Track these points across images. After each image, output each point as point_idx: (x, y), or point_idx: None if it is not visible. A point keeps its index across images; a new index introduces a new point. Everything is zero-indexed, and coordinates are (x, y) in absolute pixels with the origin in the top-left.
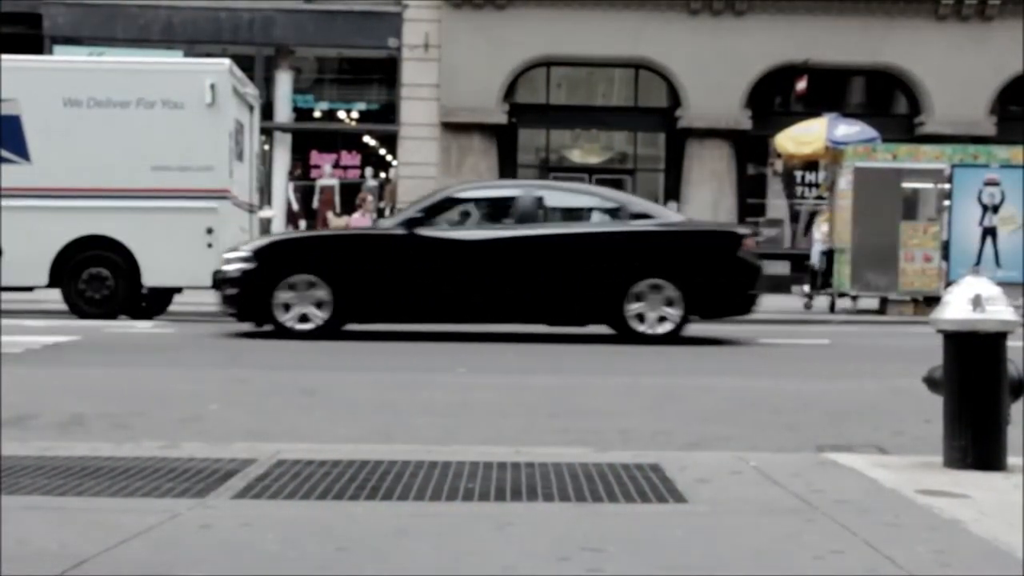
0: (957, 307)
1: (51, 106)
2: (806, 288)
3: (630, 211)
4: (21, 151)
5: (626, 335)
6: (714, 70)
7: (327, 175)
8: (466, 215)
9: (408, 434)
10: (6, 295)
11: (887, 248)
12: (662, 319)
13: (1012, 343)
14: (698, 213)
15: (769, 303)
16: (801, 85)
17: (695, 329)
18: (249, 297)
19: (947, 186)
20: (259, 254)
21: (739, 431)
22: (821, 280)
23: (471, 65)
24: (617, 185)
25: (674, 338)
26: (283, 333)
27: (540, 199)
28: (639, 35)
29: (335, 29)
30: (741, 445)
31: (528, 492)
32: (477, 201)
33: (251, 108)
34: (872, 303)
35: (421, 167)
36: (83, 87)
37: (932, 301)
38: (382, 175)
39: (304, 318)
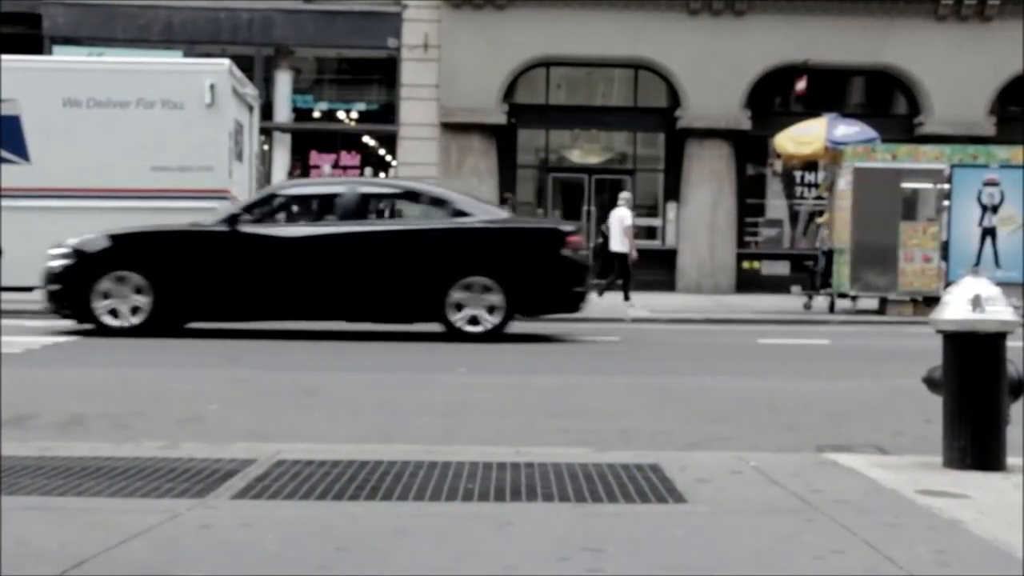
0: (957, 307)
1: (51, 106)
2: (797, 288)
3: (455, 208)
4: (21, 151)
5: (451, 332)
6: (714, 70)
7: (326, 175)
8: (291, 212)
9: (408, 434)
10: (6, 295)
11: (887, 248)
12: (486, 316)
13: (1011, 343)
14: (697, 213)
15: (769, 303)
16: (801, 85)
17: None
18: (69, 293)
19: (946, 186)
20: (79, 250)
21: (739, 431)
22: (820, 280)
23: (471, 65)
24: (617, 185)
25: (497, 335)
26: (102, 330)
27: (363, 196)
28: (639, 35)
29: (334, 29)
30: (741, 445)
31: (528, 492)
32: (302, 198)
33: (250, 108)
34: (872, 303)
35: (420, 167)
36: (83, 87)
37: (932, 301)
38: (381, 175)
39: (124, 314)
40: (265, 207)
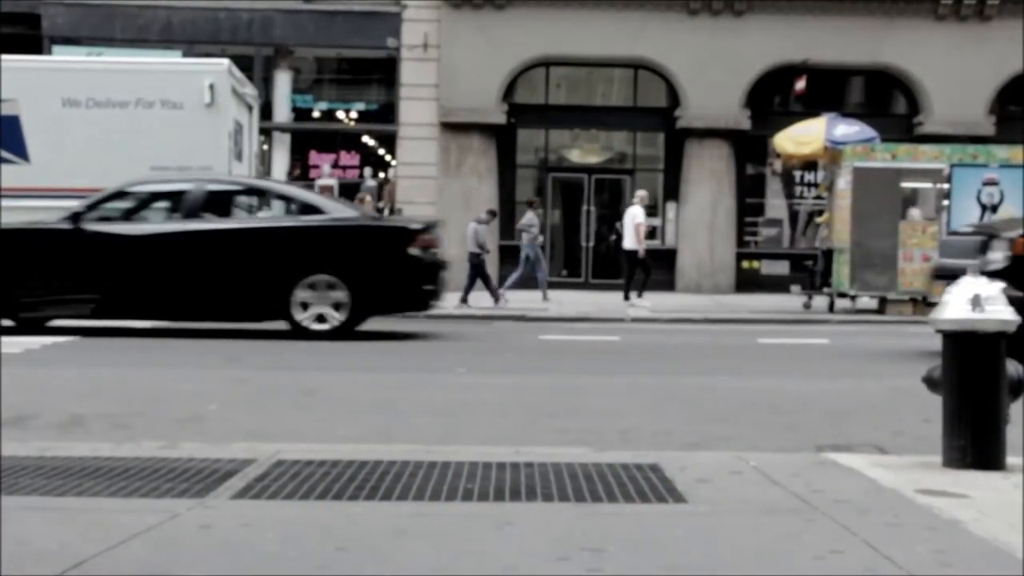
0: (956, 307)
1: (50, 106)
2: (797, 288)
3: (303, 206)
4: (20, 151)
5: (296, 331)
6: (713, 70)
7: (326, 175)
8: (138, 210)
9: (408, 434)
10: None
11: (886, 248)
12: (333, 314)
13: None
14: (697, 213)
15: (769, 303)
16: (800, 85)
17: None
18: None
19: (946, 186)
20: None
21: (739, 431)
22: (820, 280)
23: (470, 65)
24: (616, 185)
25: (344, 334)
26: None
27: (210, 194)
28: (638, 35)
29: (334, 29)
30: (741, 445)
31: (528, 492)
32: (149, 195)
33: (250, 108)
34: (871, 303)
35: (420, 167)
36: (82, 87)
37: (931, 301)
38: (381, 175)
39: None
40: (111, 205)
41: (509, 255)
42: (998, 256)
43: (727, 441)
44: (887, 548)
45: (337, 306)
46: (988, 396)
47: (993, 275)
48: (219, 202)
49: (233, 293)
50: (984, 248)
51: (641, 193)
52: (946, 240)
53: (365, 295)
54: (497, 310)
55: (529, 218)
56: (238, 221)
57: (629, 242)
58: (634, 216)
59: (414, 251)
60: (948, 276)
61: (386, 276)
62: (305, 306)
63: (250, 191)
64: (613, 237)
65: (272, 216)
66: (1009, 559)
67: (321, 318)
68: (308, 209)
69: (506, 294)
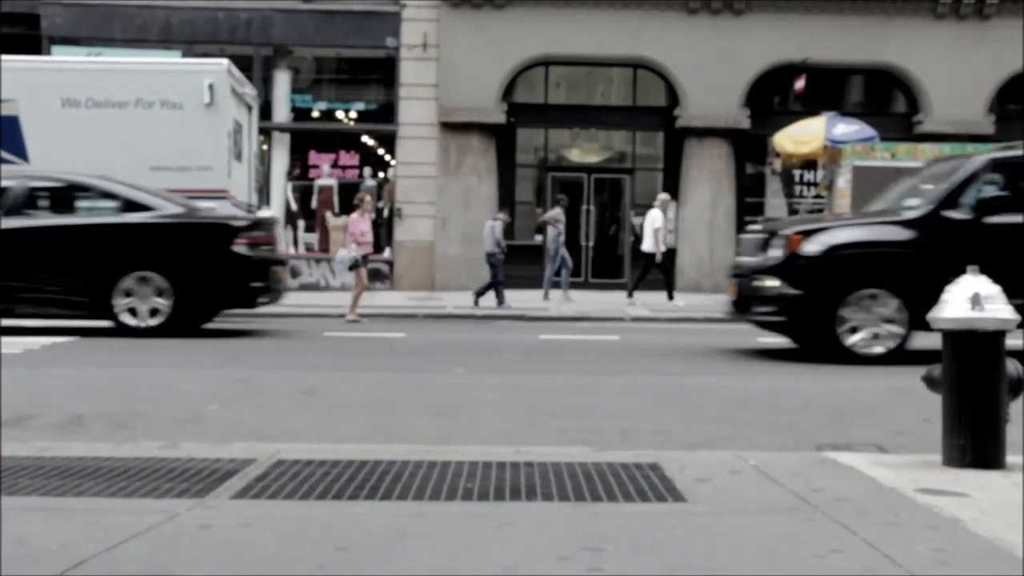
0: (956, 306)
1: (50, 107)
2: None
3: (128, 203)
4: (20, 152)
5: (120, 328)
6: (712, 69)
7: (325, 175)
8: None
9: (408, 434)
10: None
11: None
12: (154, 312)
13: (1011, 341)
14: (697, 212)
15: None
16: (799, 84)
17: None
18: None
19: None
20: None
21: (738, 430)
22: None
23: (470, 65)
24: (616, 185)
25: (168, 331)
26: None
27: (32, 190)
28: (638, 35)
29: (333, 29)
30: (741, 444)
31: (528, 492)
32: None
33: (249, 108)
34: None
35: (420, 167)
36: (81, 88)
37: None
38: (380, 175)
39: None
40: None
41: (513, 254)
42: (777, 253)
43: (727, 441)
44: (887, 547)
45: (160, 303)
46: (988, 395)
47: (769, 272)
48: (44, 198)
49: (54, 290)
50: (765, 246)
51: (663, 197)
52: (740, 238)
53: (187, 292)
54: (497, 310)
55: (556, 212)
56: (60, 218)
57: (648, 244)
58: (653, 220)
59: (239, 248)
60: (739, 275)
61: (208, 273)
62: (128, 303)
63: (74, 187)
64: (631, 239)
65: (95, 213)
66: (1009, 558)
67: (147, 313)
68: (133, 206)
69: (568, 293)
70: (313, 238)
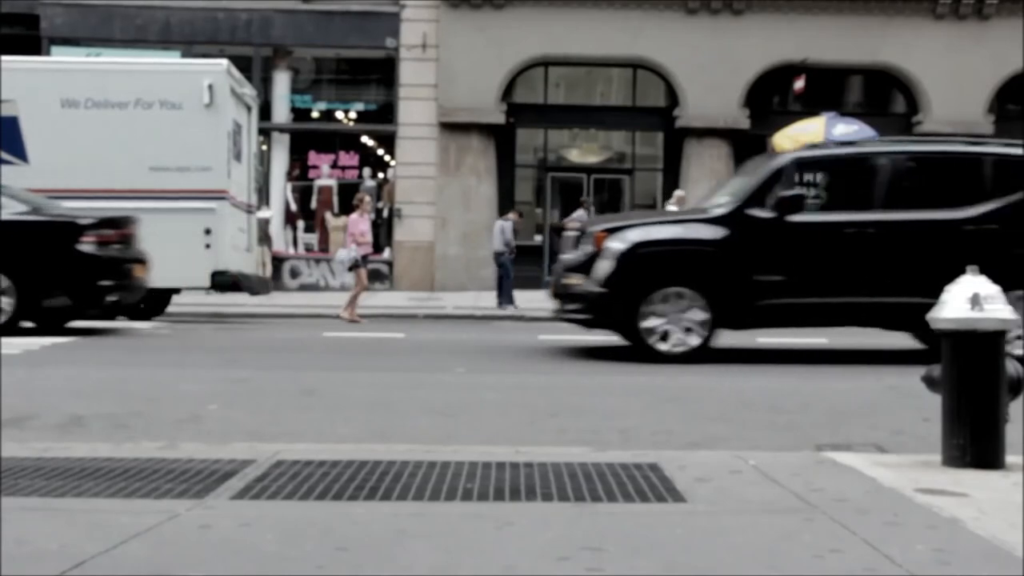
0: (955, 306)
1: (49, 107)
2: None
3: None
4: (19, 152)
5: None
6: (712, 69)
7: (325, 175)
8: None
9: (408, 434)
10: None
11: None
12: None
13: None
14: None
15: None
16: (799, 84)
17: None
18: None
19: None
20: None
21: (738, 430)
22: None
23: (469, 65)
24: (616, 185)
25: (9, 330)
26: None
27: None
28: (637, 35)
29: (333, 29)
30: (740, 444)
31: (528, 492)
32: None
33: (249, 108)
34: None
35: (419, 167)
36: (81, 88)
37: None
38: (380, 175)
39: None
40: None
41: (520, 254)
42: (588, 249)
43: (727, 441)
44: (886, 547)
45: (4, 303)
46: (987, 395)
47: (577, 269)
48: None
49: None
50: (578, 243)
51: (679, 194)
52: (563, 235)
53: (31, 292)
54: (498, 310)
55: (580, 215)
56: None
57: None
58: None
59: (85, 247)
60: (555, 272)
61: (51, 272)
62: None
63: None
64: None
65: None
66: (1008, 558)
67: None
68: None
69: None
70: (313, 238)
